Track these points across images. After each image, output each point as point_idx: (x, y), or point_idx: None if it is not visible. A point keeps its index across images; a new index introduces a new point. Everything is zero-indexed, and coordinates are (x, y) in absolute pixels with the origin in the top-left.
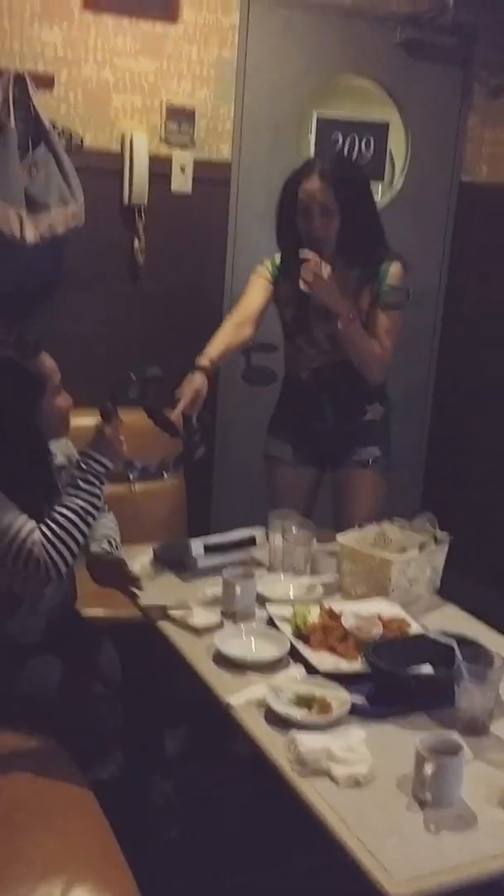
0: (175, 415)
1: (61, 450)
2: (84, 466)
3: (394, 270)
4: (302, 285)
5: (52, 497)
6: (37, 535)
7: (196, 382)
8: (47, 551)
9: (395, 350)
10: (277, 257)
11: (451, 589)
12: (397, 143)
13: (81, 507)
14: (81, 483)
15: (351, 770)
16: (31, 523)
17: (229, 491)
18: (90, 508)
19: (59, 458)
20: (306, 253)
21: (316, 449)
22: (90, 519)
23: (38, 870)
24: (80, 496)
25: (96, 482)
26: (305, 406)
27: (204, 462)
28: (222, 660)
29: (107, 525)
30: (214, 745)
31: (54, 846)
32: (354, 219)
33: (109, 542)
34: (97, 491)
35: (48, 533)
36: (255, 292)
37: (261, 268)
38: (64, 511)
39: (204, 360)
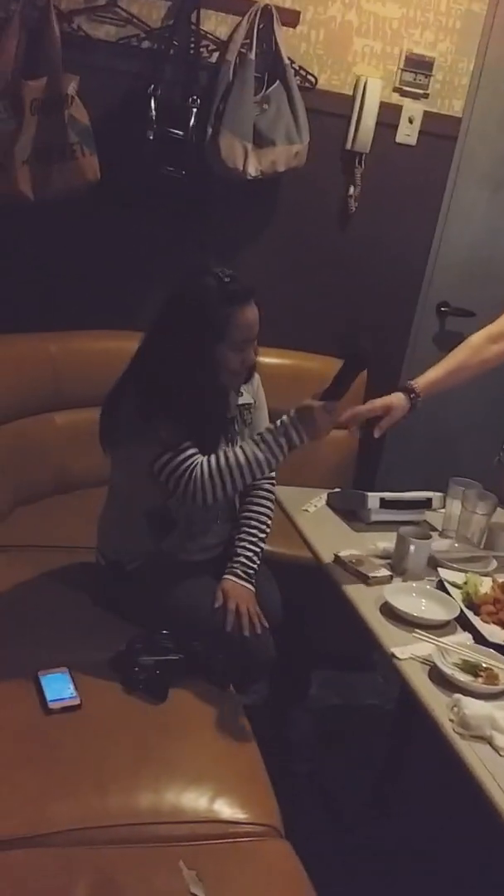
0: (350, 413)
1: (249, 391)
2: (280, 428)
3: None
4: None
5: (225, 431)
6: (201, 460)
7: (392, 402)
8: (203, 479)
9: None
10: None
11: None
12: None
13: (255, 460)
14: (270, 440)
15: None
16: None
17: (402, 452)
18: (263, 465)
19: (245, 398)
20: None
21: None
22: (257, 474)
23: (189, 777)
24: (261, 449)
25: (281, 449)
26: None
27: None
28: (390, 612)
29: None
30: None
31: (206, 759)
32: None
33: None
34: (279, 455)
35: (213, 464)
36: None
37: None
38: (237, 454)
39: (419, 381)
